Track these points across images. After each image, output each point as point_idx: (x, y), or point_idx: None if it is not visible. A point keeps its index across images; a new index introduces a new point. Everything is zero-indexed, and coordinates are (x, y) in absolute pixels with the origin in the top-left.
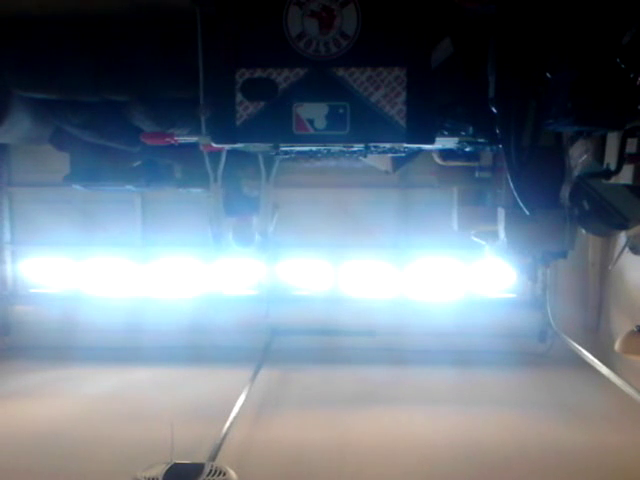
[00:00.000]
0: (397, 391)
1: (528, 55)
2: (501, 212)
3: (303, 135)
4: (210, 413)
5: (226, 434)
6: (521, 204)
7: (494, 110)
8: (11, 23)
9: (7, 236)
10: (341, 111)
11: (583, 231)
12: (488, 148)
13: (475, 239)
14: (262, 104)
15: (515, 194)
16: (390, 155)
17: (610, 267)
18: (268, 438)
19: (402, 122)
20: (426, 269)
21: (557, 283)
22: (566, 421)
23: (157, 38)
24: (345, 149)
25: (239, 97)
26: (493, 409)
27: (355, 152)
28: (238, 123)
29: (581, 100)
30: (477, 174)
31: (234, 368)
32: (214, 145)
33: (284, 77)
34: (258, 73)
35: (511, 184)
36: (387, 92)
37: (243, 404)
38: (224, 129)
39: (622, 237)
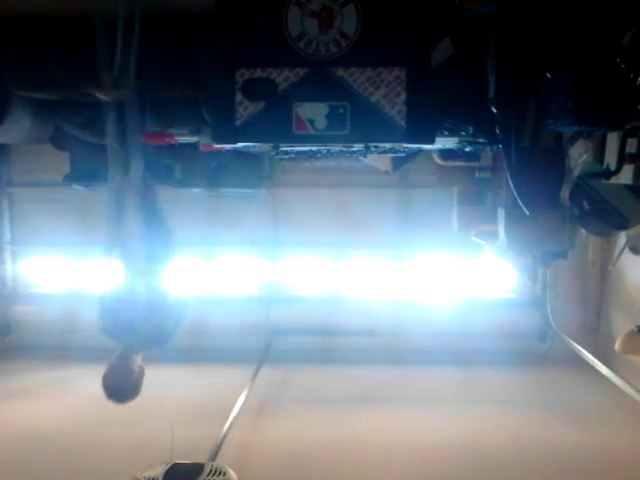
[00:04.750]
0: (397, 391)
1: (528, 55)
2: (501, 212)
3: (303, 135)
4: (210, 413)
5: (226, 434)
6: (521, 204)
7: (494, 110)
8: (11, 23)
9: (7, 236)
10: (341, 111)
11: (583, 231)
12: (488, 148)
13: (475, 239)
14: (262, 104)
15: (515, 194)
16: (390, 155)
17: (610, 267)
18: (268, 438)
19: (402, 122)
20: (426, 269)
21: (557, 283)
22: (566, 421)
23: (157, 38)
24: (345, 149)
25: (239, 97)
26: (493, 409)
27: (355, 152)
28: (238, 123)
29: (581, 100)
30: (477, 174)
31: (234, 368)
32: (214, 145)
33: (284, 77)
34: (258, 73)
35: (511, 184)
36: (387, 92)
37: (243, 404)
38: (224, 129)
39: (622, 237)
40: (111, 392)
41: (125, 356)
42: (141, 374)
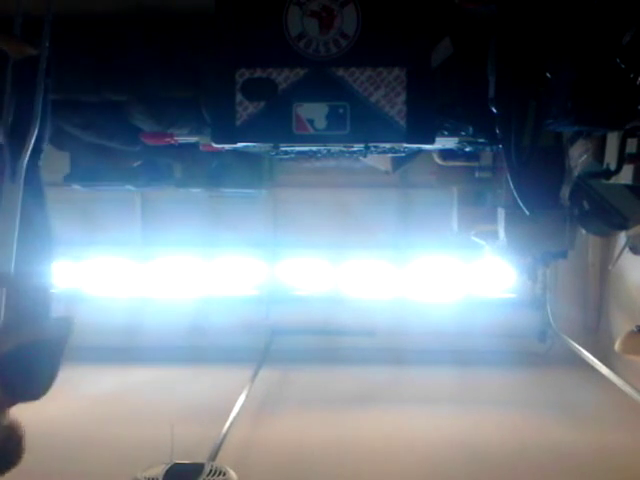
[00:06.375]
0: (397, 391)
1: (528, 55)
2: (501, 212)
3: (303, 135)
4: (210, 413)
5: (226, 434)
6: (521, 204)
7: (494, 110)
8: (10, 23)
9: None
10: (341, 111)
11: (583, 231)
12: (488, 148)
13: (475, 239)
14: (262, 104)
15: (515, 194)
16: (390, 155)
17: (610, 267)
18: (268, 438)
19: (402, 122)
20: (426, 269)
21: (557, 283)
22: (566, 421)
23: (157, 38)
24: (345, 149)
25: (239, 97)
26: (493, 409)
27: (355, 152)
28: (238, 123)
29: (581, 100)
30: (477, 174)
31: (234, 368)
32: (214, 145)
33: (284, 77)
34: (258, 73)
35: (511, 184)
36: (387, 92)
37: (243, 404)
38: (224, 129)
39: (622, 237)
40: None
41: None
42: (9, 435)
